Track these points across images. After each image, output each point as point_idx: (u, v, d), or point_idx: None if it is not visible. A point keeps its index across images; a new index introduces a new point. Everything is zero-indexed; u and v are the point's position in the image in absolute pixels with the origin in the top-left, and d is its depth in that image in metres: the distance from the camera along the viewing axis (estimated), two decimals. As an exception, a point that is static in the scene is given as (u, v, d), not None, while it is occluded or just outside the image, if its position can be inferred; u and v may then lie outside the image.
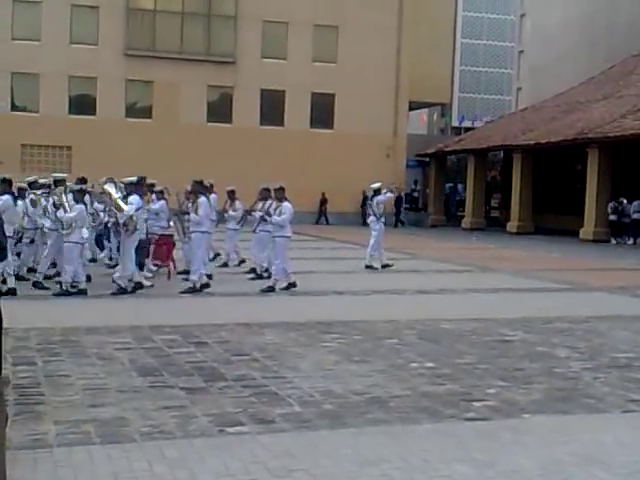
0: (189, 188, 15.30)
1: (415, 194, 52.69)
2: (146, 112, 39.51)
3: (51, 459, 5.45)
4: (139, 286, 14.05)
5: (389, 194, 20.18)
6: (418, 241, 30.47)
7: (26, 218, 14.98)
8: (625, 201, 31.75)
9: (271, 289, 14.50)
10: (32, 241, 15.47)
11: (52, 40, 37.33)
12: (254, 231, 16.26)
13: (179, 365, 8.32)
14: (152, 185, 17.07)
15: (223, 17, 39.89)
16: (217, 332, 10.23)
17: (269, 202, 15.35)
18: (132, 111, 39.47)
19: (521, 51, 65.53)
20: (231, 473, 5.24)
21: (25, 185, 15.66)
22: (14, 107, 38.44)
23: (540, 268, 20.05)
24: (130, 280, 13.86)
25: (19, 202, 14.42)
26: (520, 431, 6.34)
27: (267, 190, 15.74)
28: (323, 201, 40.52)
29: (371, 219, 19.38)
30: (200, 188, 14.73)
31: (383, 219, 19.30)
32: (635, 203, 31.34)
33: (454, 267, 20.15)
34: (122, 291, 13.64)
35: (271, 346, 9.45)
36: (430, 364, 8.67)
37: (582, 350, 9.69)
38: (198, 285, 14.14)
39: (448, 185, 50.14)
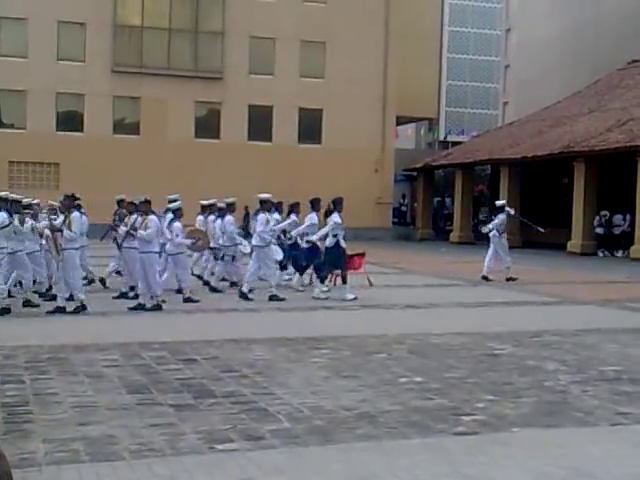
0: (57, 204, 14.60)
1: (403, 208, 52.80)
2: (134, 128, 39.50)
3: (40, 478, 5.42)
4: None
5: (511, 211, 21.53)
6: (406, 255, 30.48)
7: None
8: (608, 213, 32.00)
9: (141, 306, 13.88)
10: None
11: (39, 57, 37.32)
12: (119, 248, 15.50)
13: (168, 382, 8.30)
14: (19, 202, 15.99)
15: (210, 33, 39.99)
16: (206, 348, 10.21)
17: (134, 216, 14.79)
18: (120, 127, 39.45)
19: (507, 65, 65.95)
20: (221, 490, 5.23)
21: None
22: (1, 124, 38.40)
23: (528, 281, 20.08)
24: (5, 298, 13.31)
25: None
26: (509, 445, 6.35)
27: (133, 204, 15.15)
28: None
29: (493, 233, 20.29)
30: (72, 203, 13.96)
31: (503, 234, 20.38)
32: (616, 217, 31.72)
33: (443, 281, 20.17)
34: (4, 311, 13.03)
35: (260, 362, 9.44)
36: (419, 379, 8.67)
37: (571, 363, 9.71)
38: (79, 303, 13.44)
39: (436, 199, 50.29)
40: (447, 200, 52.76)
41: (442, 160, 43.74)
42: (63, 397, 7.60)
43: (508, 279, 19.75)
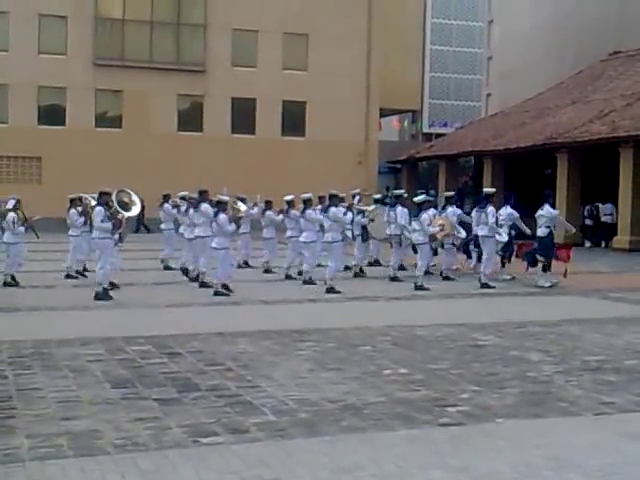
0: None
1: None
2: (116, 122, 39.31)
3: (24, 473, 5.39)
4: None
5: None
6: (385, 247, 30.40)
7: None
8: (600, 205, 32.07)
9: None
10: None
11: (20, 50, 37.07)
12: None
13: (152, 376, 8.28)
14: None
15: (192, 26, 39.82)
16: (190, 342, 10.18)
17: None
18: (102, 121, 39.25)
19: (490, 57, 65.92)
20: (206, 484, 5.22)
21: None
22: (-18, 118, 38.15)
23: (512, 272, 20.09)
24: None
25: None
26: (494, 436, 6.37)
27: None
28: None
29: None
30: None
31: None
32: (605, 206, 31.71)
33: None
34: None
35: (245, 355, 9.42)
36: (404, 370, 8.68)
37: (554, 354, 9.75)
38: None
39: (420, 191, 50.29)
40: (430, 192, 52.79)
41: (426, 152, 43.76)
42: (46, 392, 7.56)
43: None
